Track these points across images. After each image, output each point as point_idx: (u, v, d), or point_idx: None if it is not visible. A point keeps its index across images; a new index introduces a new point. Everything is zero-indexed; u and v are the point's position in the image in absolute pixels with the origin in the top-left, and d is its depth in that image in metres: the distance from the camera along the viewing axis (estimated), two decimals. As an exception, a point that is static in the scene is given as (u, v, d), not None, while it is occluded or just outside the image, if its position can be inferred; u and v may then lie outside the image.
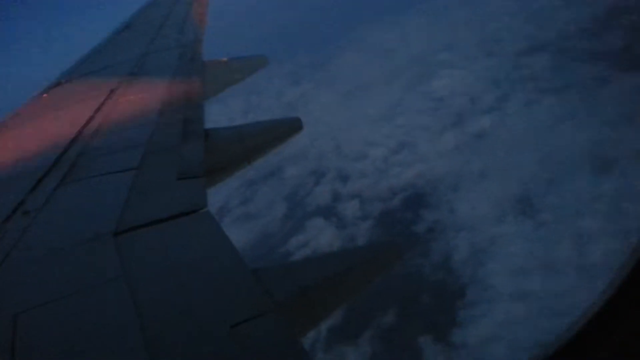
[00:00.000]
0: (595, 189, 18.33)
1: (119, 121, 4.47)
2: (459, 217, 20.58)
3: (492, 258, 17.70)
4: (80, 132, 4.32)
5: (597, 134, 21.21)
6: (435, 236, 20.20)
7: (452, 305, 16.81)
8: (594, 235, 16.48)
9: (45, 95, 6.60)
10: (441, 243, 19.69)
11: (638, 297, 1.23)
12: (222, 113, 51.14)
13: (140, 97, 5.14)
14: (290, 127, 4.57)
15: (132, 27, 9.74)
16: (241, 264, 2.20)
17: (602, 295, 1.23)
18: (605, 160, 19.47)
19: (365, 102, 36.95)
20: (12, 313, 2.03)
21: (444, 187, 22.88)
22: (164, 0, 10.46)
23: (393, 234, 21.85)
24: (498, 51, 35.19)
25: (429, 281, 18.43)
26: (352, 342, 17.16)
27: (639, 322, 1.18)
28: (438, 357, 15.30)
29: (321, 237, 23.49)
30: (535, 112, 25.34)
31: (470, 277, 17.47)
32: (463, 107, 29.29)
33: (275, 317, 1.79)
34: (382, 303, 18.13)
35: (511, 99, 27.65)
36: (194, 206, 2.66)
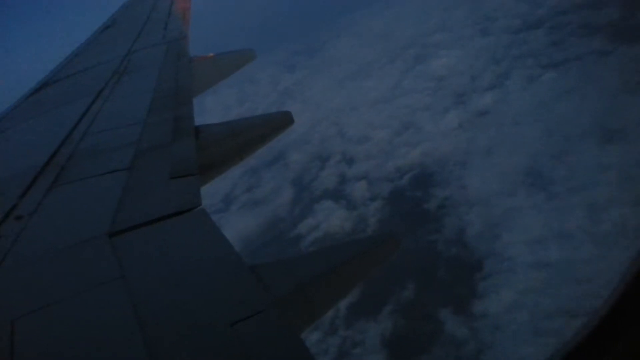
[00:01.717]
0: (603, 158, 18.69)
1: (108, 121, 4.41)
2: (470, 193, 20.89)
3: (507, 230, 18.04)
4: (69, 134, 4.24)
5: (600, 104, 21.55)
6: (448, 212, 20.52)
7: (471, 277, 17.14)
8: (605, 203, 16.84)
9: (31, 97, 6.46)
10: (454, 219, 20.00)
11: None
12: (217, 102, 50.92)
13: (128, 96, 5.09)
14: (281, 121, 4.53)
15: (116, 25, 9.56)
16: (239, 262, 2.15)
17: (605, 302, 1.18)
18: (610, 129, 19.83)
19: (364, 85, 37.08)
20: (9, 319, 2.01)
21: (452, 164, 23.18)
22: None
23: (403, 212, 22.15)
24: (494, 30, 35.38)
25: (445, 256, 18.76)
26: (372, 318, 17.45)
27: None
28: (460, 328, 15.63)
29: (332, 219, 23.70)
30: (536, 87, 25.64)
31: (487, 250, 17.80)
32: (464, 85, 29.53)
33: (275, 314, 1.78)
34: (399, 279, 18.44)
35: (511, 76, 27.93)
36: (189, 205, 2.62)
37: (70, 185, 3.34)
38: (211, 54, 6.40)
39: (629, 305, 1.16)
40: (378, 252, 2.61)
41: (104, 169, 3.36)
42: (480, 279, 16.92)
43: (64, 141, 4.09)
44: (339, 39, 52.07)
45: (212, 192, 33.33)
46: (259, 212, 28.15)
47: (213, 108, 50.13)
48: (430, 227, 20.27)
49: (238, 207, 30.18)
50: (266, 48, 65.33)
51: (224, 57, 6.51)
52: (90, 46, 8.64)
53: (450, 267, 18.24)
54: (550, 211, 17.90)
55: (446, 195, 21.52)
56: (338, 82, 40.59)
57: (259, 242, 25.53)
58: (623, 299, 1.17)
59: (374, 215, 22.60)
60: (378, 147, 27.60)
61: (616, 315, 1.17)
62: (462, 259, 18.20)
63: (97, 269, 2.30)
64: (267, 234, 25.90)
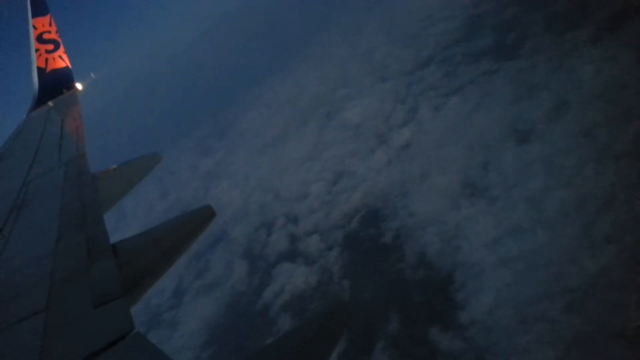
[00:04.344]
0: (525, 155, 20.64)
1: (14, 261, 4.02)
2: (419, 217, 21.86)
3: (465, 240, 19.01)
4: None
5: (505, 113, 23.99)
6: (405, 240, 21.21)
7: (446, 292, 17.66)
8: (541, 192, 18.46)
9: None
10: (412, 244, 20.71)
11: None
12: (138, 203, 49.55)
13: (31, 229, 4.71)
14: (202, 216, 4.40)
15: (4, 160, 9.20)
16: None
17: None
18: (522, 131, 22.06)
19: (286, 149, 38.11)
20: None
21: (394, 197, 24.23)
22: (33, 124, 9.98)
23: (363, 252, 22.54)
24: (390, 75, 38.46)
25: (415, 281, 19.20)
26: (368, 358, 17.25)
27: None
28: (454, 342, 15.90)
29: (294, 279, 23.48)
30: (445, 113, 28.00)
31: (452, 263, 18.54)
32: (380, 127, 31.45)
33: None
34: (380, 315, 18.55)
35: (420, 109, 30.27)
36: (121, 332, 2.45)
37: None
38: (114, 166, 6.26)
39: None
40: (332, 324, 2.74)
41: (16, 317, 3.02)
42: (455, 291, 17.50)
43: None
44: (247, 113, 53.58)
45: (158, 291, 31.67)
46: (217, 295, 27.18)
47: (135, 210, 48.62)
48: (393, 258, 20.79)
49: (192, 297, 28.92)
50: (177, 137, 65.46)
51: (128, 166, 6.35)
52: None
53: (424, 289, 18.67)
54: (497, 213, 19.22)
55: (398, 225, 22.33)
56: (259, 152, 41.41)
57: (225, 324, 24.50)
58: None
59: (336, 263, 22.75)
60: (319, 200, 28.20)
61: None
62: (432, 278, 18.76)
63: None
64: (232, 312, 24.98)
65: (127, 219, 46.93)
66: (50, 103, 10.18)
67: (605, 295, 13.97)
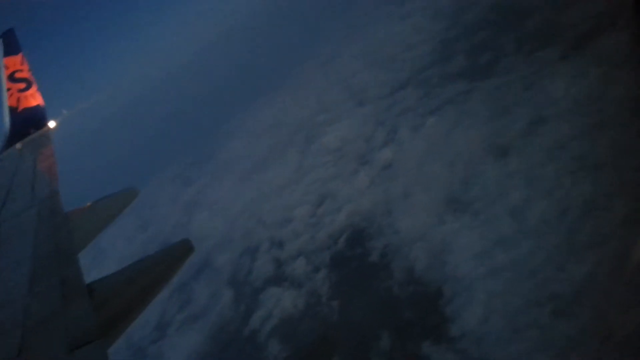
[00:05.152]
0: (505, 169, 21.11)
1: None
2: (405, 234, 21.98)
3: (451, 254, 19.15)
4: None
5: (482, 130, 24.58)
6: (392, 258, 21.26)
7: (436, 306, 17.67)
8: (523, 203, 18.83)
9: None
10: (400, 261, 20.77)
11: None
12: (117, 237, 48.61)
13: (3, 272, 4.58)
14: (180, 251, 4.34)
15: None
16: None
17: None
18: (500, 146, 22.60)
19: (268, 175, 38.15)
20: None
21: (379, 216, 24.37)
22: (4, 164, 9.80)
23: (351, 272, 22.49)
24: (368, 99, 39.16)
25: (404, 297, 19.19)
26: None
27: None
28: (447, 355, 15.84)
29: (282, 303, 23.21)
30: (424, 132, 28.54)
31: (440, 277, 18.62)
32: (361, 149, 31.83)
33: None
34: (371, 334, 18.43)
35: (399, 130, 30.79)
36: None
37: None
38: (89, 203, 6.17)
39: None
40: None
41: None
42: (445, 304, 17.52)
43: None
44: (228, 142, 53.64)
45: (141, 324, 30.86)
46: (203, 324, 26.61)
47: (114, 244, 47.64)
48: (381, 276, 20.78)
49: (177, 329, 28.23)
50: (156, 169, 64.98)
51: (103, 203, 6.25)
52: None
53: (413, 305, 18.66)
54: (481, 225, 19.48)
55: (384, 243, 22.40)
56: (241, 180, 41.33)
57: (213, 353, 23.95)
58: None
59: (324, 285, 22.61)
60: (303, 223, 28.16)
61: None
62: (422, 293, 18.77)
63: None
64: (219, 341, 24.45)
65: (106, 254, 45.90)
66: (18, 145, 9.95)
67: (592, 299, 14.19)
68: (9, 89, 11.19)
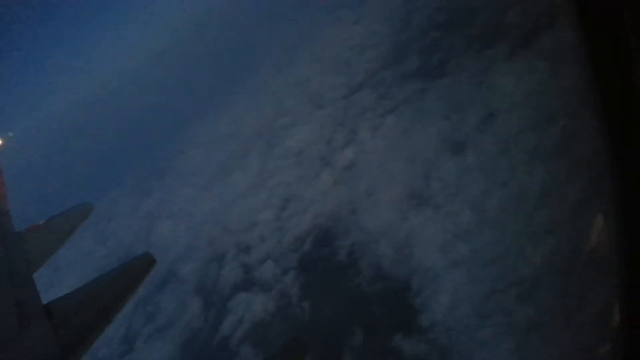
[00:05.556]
0: (462, 163, 21.89)
1: None
2: (370, 232, 22.40)
3: (416, 247, 19.70)
4: None
5: (439, 127, 25.38)
6: (359, 255, 21.62)
7: (404, 299, 18.14)
8: (482, 195, 19.59)
9: None
10: (367, 258, 21.15)
11: None
12: (75, 253, 46.93)
13: None
14: (141, 265, 4.30)
15: None
16: None
17: None
18: (457, 142, 23.41)
19: (229, 182, 37.85)
20: None
21: (344, 215, 24.71)
22: None
23: (319, 272, 22.69)
24: (326, 102, 39.50)
25: (374, 292, 19.57)
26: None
27: None
28: (418, 346, 16.27)
29: (252, 308, 23.15)
30: (383, 132, 29.16)
31: (407, 271, 19.11)
32: (322, 151, 32.12)
33: None
34: (344, 330, 18.68)
35: (359, 131, 31.31)
36: None
37: None
38: (42, 222, 6.01)
39: None
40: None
41: None
42: (413, 297, 18.00)
43: None
44: (185, 152, 52.76)
45: (106, 341, 29.96)
46: (172, 335, 26.13)
47: (71, 261, 45.97)
48: (350, 273, 21.09)
49: (144, 341, 27.59)
50: (111, 183, 63.07)
51: (57, 220, 6.10)
52: None
53: (382, 300, 19.05)
54: (443, 219, 20.13)
55: (351, 242, 22.73)
56: (202, 188, 40.76)
57: (183, 362, 23.58)
58: None
59: (293, 286, 22.70)
60: (268, 227, 28.15)
61: None
62: (390, 287, 19.20)
63: None
64: (189, 351, 24.09)
65: (62, 272, 44.23)
66: None
67: (553, 282, 14.95)
68: None
